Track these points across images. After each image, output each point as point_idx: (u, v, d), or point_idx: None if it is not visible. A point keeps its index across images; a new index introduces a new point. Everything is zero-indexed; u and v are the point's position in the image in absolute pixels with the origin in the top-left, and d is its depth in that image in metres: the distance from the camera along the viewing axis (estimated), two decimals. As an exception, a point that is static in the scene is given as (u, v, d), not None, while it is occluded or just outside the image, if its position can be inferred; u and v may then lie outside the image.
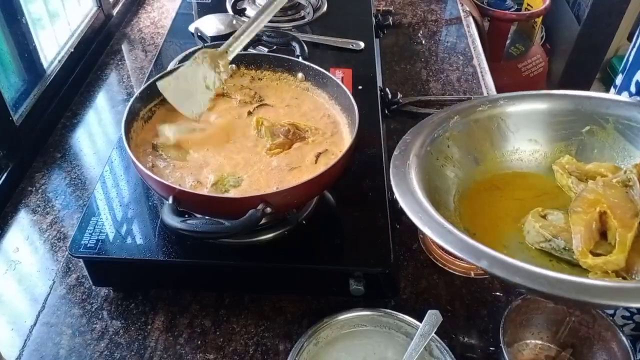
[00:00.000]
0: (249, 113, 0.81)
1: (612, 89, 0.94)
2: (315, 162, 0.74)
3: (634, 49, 0.88)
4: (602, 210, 0.61)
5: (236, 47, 0.79)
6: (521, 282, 0.50)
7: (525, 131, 0.75)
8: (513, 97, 0.76)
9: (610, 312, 0.92)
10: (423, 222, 0.57)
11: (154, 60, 1.08)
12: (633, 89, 0.87)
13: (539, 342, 0.73)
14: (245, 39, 0.79)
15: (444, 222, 0.56)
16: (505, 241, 0.65)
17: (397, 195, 0.62)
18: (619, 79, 0.92)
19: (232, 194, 0.69)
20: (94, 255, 0.71)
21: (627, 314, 0.91)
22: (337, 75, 1.00)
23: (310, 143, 0.77)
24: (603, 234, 0.61)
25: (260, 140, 0.77)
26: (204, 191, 0.69)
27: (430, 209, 0.58)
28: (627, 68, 0.89)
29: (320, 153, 0.75)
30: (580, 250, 0.59)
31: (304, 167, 0.73)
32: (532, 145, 0.75)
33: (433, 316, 0.67)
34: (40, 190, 0.93)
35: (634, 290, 0.49)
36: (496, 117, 0.75)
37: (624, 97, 0.87)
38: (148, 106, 0.79)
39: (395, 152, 0.68)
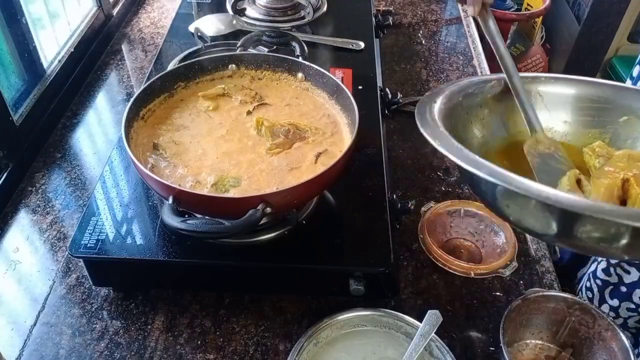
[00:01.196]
0: (249, 113, 0.81)
1: (629, 80, 0.99)
2: (315, 162, 0.74)
3: None
4: (626, 178, 0.60)
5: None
6: (524, 192, 0.48)
7: (561, 112, 0.74)
8: (556, 78, 0.75)
9: (615, 304, 0.92)
10: (433, 136, 0.57)
11: (154, 60, 1.08)
12: None
13: (539, 342, 0.73)
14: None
15: (459, 145, 0.56)
16: None
17: (417, 118, 0.61)
18: (635, 70, 0.97)
19: (232, 194, 0.69)
20: (94, 255, 0.71)
21: (632, 306, 0.91)
22: (337, 75, 1.00)
23: (310, 143, 0.77)
24: (623, 203, 0.60)
25: (260, 140, 0.77)
26: (204, 191, 0.69)
27: (446, 133, 0.58)
28: None
29: (320, 153, 0.75)
30: None
31: (304, 167, 0.73)
32: (565, 127, 0.74)
33: (433, 316, 0.67)
34: (40, 190, 0.93)
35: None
36: (535, 93, 0.74)
37: None
38: (148, 106, 0.79)
39: (426, 94, 0.68)
